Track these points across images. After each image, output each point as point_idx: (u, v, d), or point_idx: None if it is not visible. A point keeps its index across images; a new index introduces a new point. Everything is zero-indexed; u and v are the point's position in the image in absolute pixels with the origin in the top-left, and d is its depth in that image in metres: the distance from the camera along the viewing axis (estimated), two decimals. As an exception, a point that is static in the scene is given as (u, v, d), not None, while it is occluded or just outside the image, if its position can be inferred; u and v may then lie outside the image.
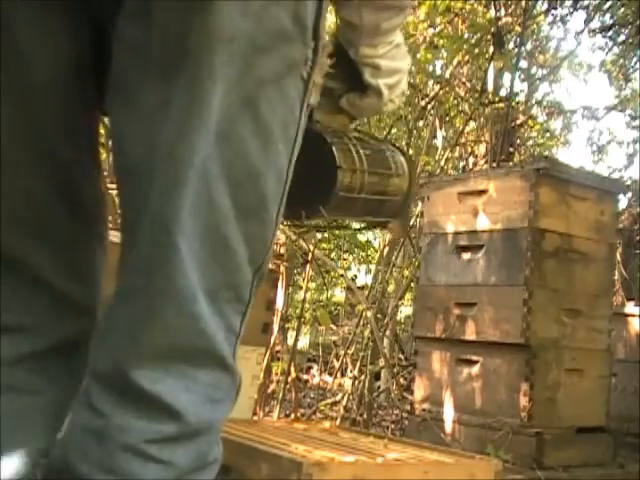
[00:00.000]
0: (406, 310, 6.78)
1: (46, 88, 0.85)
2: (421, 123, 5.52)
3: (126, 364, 0.78)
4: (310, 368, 5.96)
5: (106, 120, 0.93)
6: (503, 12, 4.63)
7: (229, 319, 0.83)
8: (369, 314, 3.88)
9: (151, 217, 0.77)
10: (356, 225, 1.12)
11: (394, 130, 5.98)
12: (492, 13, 4.49)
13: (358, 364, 4.04)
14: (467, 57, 4.88)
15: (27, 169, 0.87)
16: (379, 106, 1.06)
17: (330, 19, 1.30)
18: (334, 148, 1.00)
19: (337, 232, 7.12)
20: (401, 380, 4.68)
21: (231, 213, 0.79)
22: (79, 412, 0.81)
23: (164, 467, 0.79)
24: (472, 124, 5.08)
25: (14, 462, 0.85)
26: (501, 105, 4.66)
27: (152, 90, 0.77)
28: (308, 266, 3.89)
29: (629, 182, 6.53)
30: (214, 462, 0.86)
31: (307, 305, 4.71)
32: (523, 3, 4.56)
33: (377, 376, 4.83)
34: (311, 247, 3.74)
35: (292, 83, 0.81)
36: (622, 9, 5.06)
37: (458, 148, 5.25)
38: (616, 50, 6.43)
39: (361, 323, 4.27)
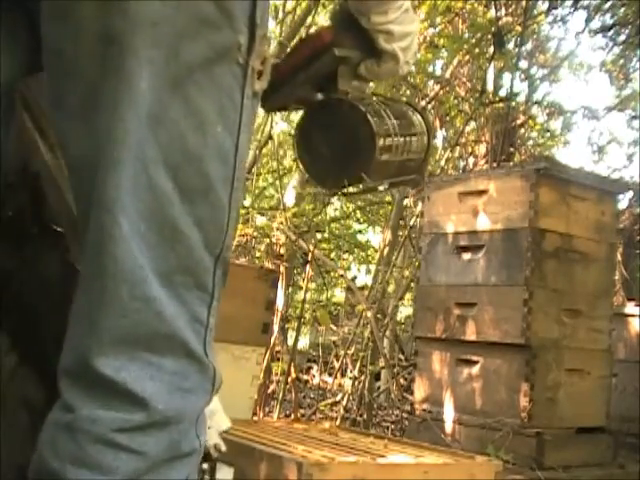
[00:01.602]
0: (406, 310, 6.78)
1: None
2: (421, 123, 5.50)
3: (88, 353, 0.79)
4: (310, 368, 5.95)
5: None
6: (503, 12, 4.63)
7: (192, 306, 0.83)
8: (369, 314, 3.88)
9: (96, 201, 0.79)
10: (385, 186, 1.15)
11: (394, 130, 5.97)
12: (492, 13, 4.49)
13: (358, 364, 4.03)
14: (467, 57, 4.88)
15: None
16: (396, 69, 1.09)
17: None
18: (369, 116, 1.03)
19: (337, 232, 7.12)
20: (401, 380, 4.68)
21: (175, 196, 0.80)
22: (53, 411, 0.81)
23: (136, 457, 0.79)
24: (472, 124, 5.08)
25: None
26: (501, 105, 4.66)
27: (78, 83, 0.80)
28: (308, 266, 3.90)
29: (629, 182, 6.52)
30: (191, 453, 0.85)
31: (307, 305, 4.71)
32: (523, 3, 4.56)
33: (377, 376, 4.83)
34: (311, 247, 3.74)
35: (225, 69, 0.82)
36: (622, 9, 5.06)
37: (458, 148, 5.25)
38: (616, 50, 6.43)
39: (361, 323, 4.27)
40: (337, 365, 4.42)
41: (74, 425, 0.78)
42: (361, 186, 1.09)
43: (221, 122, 0.82)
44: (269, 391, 3.86)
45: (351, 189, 1.11)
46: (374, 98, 1.11)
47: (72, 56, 0.80)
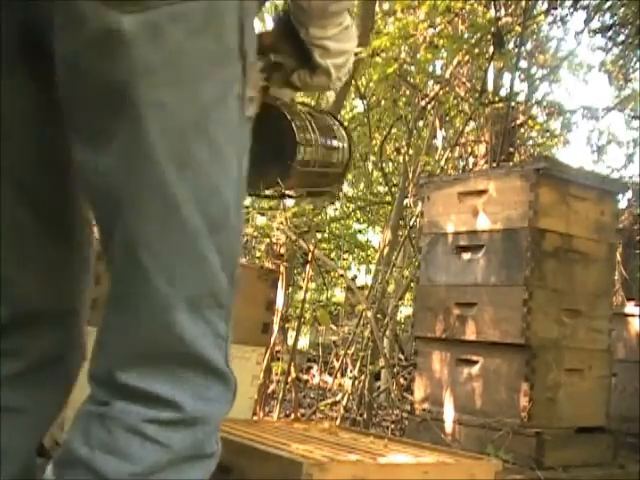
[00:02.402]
0: (406, 310, 6.78)
1: (19, 127, 0.93)
2: (421, 123, 5.52)
3: (116, 369, 0.85)
4: (310, 368, 5.96)
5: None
6: (503, 12, 4.63)
7: (215, 325, 0.89)
8: (369, 314, 3.88)
9: (119, 237, 0.85)
10: (302, 194, 1.20)
11: (394, 130, 5.98)
12: (492, 13, 4.49)
13: (358, 364, 4.03)
14: (467, 57, 4.88)
15: (11, 201, 0.94)
16: (328, 84, 1.12)
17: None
18: (294, 125, 1.06)
19: (337, 232, 7.12)
20: (401, 380, 4.68)
21: (204, 228, 0.85)
22: (86, 405, 0.87)
23: (160, 448, 0.84)
24: (472, 124, 5.09)
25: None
26: (501, 105, 4.66)
27: (90, 123, 0.84)
28: (308, 266, 3.90)
29: (629, 182, 6.52)
30: (211, 456, 0.90)
31: (307, 305, 4.71)
32: (523, 3, 4.56)
33: (377, 376, 4.83)
34: (311, 247, 3.74)
35: (232, 102, 0.87)
36: (622, 9, 5.06)
37: (458, 148, 5.25)
38: (616, 50, 6.43)
39: (361, 323, 4.27)
40: (337, 365, 4.42)
41: (107, 414, 0.84)
42: (277, 191, 1.12)
43: (232, 152, 0.87)
44: (269, 391, 3.86)
45: (267, 192, 1.14)
46: (301, 108, 1.14)
47: (82, 100, 0.83)
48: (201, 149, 0.83)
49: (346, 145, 1.16)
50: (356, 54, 4.74)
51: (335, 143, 1.14)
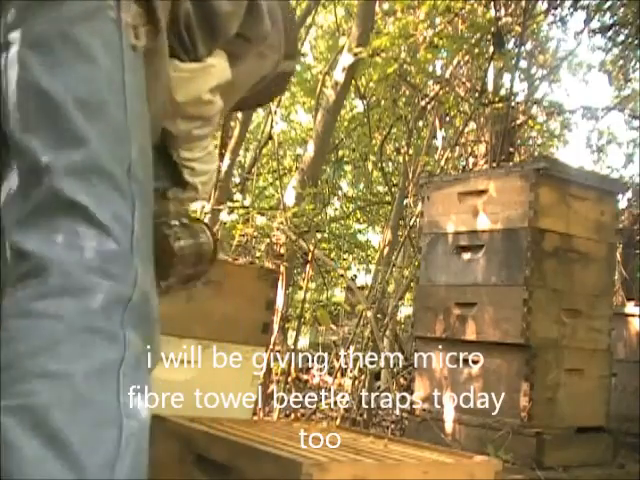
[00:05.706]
0: (406, 310, 6.78)
1: None
2: (421, 123, 5.53)
3: (11, 230, 0.93)
4: (310, 368, 5.96)
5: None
6: (503, 12, 4.63)
7: (114, 206, 0.95)
8: (369, 314, 3.88)
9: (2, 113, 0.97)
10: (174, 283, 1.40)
11: (394, 130, 5.99)
12: (492, 13, 4.49)
13: (358, 364, 4.04)
14: (467, 57, 4.88)
15: None
16: (196, 198, 1.36)
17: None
18: (171, 240, 1.28)
19: (337, 232, 7.12)
20: (401, 380, 4.68)
21: (75, 107, 0.96)
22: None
23: (54, 321, 0.88)
24: (472, 124, 5.09)
25: None
26: (501, 105, 4.66)
27: None
28: (308, 266, 3.90)
29: (629, 182, 6.53)
30: (113, 339, 0.91)
31: (307, 305, 4.71)
32: (523, 3, 4.56)
33: (377, 376, 4.83)
34: (311, 247, 3.75)
35: (105, 21, 1.02)
36: (622, 9, 5.06)
37: (458, 148, 5.26)
38: (616, 50, 6.43)
39: (361, 323, 4.27)
40: (337, 365, 4.42)
41: (4, 314, 0.89)
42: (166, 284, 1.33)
43: (108, 57, 1.00)
44: (269, 391, 3.86)
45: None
46: (176, 218, 1.35)
47: None
48: (68, 50, 0.98)
49: (210, 242, 1.38)
50: (356, 54, 4.76)
51: (199, 241, 1.35)
